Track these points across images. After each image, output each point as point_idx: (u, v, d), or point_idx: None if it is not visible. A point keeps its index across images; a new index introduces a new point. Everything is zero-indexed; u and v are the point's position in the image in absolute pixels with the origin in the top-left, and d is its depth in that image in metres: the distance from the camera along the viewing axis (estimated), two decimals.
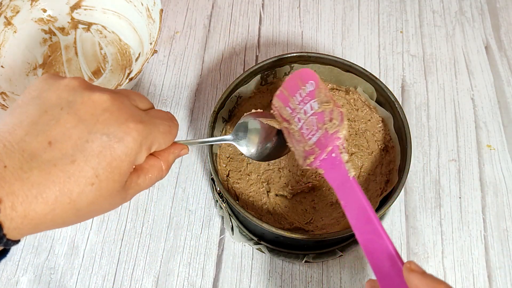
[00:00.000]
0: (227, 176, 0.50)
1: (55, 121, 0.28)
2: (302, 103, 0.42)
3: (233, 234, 0.51)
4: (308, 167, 0.39)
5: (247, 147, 0.43)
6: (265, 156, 0.44)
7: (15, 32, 0.62)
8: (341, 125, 0.37)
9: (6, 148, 0.26)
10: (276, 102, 0.45)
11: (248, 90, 0.53)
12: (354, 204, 0.35)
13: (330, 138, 0.38)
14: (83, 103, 0.29)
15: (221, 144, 0.52)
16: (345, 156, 0.37)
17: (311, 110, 0.41)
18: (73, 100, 0.29)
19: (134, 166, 0.31)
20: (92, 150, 0.28)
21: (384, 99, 0.51)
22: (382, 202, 0.47)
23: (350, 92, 0.53)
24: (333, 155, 0.37)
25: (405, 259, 0.50)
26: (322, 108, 0.39)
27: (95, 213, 0.30)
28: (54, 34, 0.64)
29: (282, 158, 0.51)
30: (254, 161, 0.51)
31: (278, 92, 0.45)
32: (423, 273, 0.30)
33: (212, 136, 0.48)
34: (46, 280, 0.50)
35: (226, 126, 0.53)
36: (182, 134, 0.59)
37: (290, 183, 0.50)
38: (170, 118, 0.34)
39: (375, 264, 0.33)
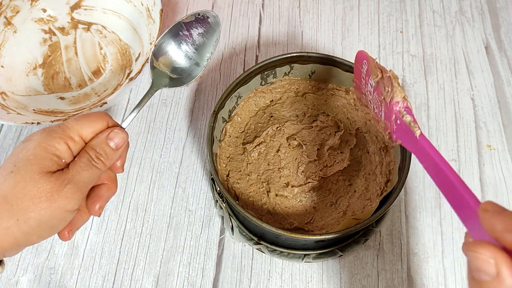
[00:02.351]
0: (227, 176, 0.50)
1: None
2: (366, 85, 0.41)
3: (233, 234, 0.51)
4: (398, 144, 0.37)
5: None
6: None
7: (15, 32, 0.62)
8: (392, 90, 0.36)
9: None
10: (356, 94, 0.45)
11: (248, 90, 0.53)
12: (430, 164, 0.33)
13: (390, 107, 0.36)
14: None
15: (221, 144, 0.52)
16: (407, 118, 0.35)
17: (371, 88, 0.40)
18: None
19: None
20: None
21: None
22: (382, 202, 0.47)
23: (350, 92, 0.53)
24: (398, 122, 0.36)
25: (405, 260, 0.51)
26: (375, 81, 0.38)
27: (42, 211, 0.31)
28: (54, 34, 0.64)
29: (282, 158, 0.51)
30: (254, 161, 0.51)
31: (354, 84, 0.44)
32: (499, 212, 0.25)
33: (211, 137, 0.48)
34: (46, 280, 0.50)
35: (226, 126, 0.53)
36: (182, 135, 0.59)
37: (290, 183, 0.50)
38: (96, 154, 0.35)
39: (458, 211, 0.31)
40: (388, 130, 0.38)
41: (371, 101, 0.41)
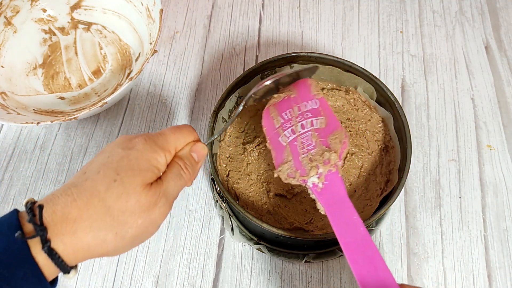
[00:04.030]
0: (227, 176, 0.50)
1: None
2: (301, 117, 0.44)
3: (233, 234, 0.51)
4: (299, 183, 0.41)
5: None
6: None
7: (15, 32, 0.62)
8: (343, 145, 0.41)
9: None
10: (270, 107, 0.46)
11: (248, 90, 0.53)
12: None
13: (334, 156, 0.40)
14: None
15: (221, 144, 0.52)
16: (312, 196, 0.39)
17: (311, 126, 0.43)
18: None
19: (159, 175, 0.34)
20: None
21: (384, 99, 0.51)
22: (382, 202, 0.47)
23: (350, 92, 0.53)
24: (334, 171, 0.40)
25: (405, 260, 0.50)
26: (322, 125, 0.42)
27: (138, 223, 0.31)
28: (54, 34, 0.64)
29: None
30: (254, 161, 0.51)
31: (278, 100, 0.47)
32: None
33: (212, 135, 0.48)
34: None
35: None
36: None
37: (290, 183, 0.50)
38: (186, 166, 0.35)
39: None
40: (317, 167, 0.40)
41: (293, 131, 0.44)
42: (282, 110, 0.46)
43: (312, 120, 0.43)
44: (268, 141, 0.45)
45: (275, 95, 0.47)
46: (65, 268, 0.30)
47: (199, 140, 0.37)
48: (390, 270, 0.50)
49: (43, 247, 0.28)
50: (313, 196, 0.39)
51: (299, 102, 0.45)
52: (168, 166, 0.34)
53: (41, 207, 0.29)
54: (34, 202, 0.30)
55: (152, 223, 0.32)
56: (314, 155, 0.41)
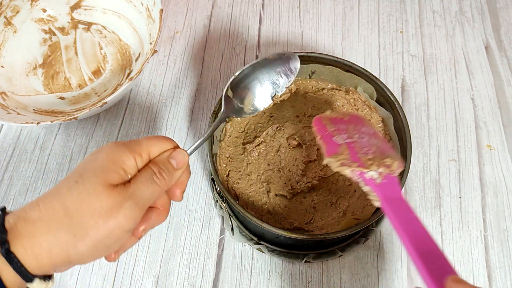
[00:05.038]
0: (227, 176, 0.50)
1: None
2: (357, 133, 0.42)
3: (233, 234, 0.51)
4: (356, 176, 0.38)
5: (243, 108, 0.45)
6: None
7: (15, 32, 0.62)
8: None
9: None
10: (324, 119, 0.44)
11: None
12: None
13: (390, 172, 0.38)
14: None
15: (221, 144, 0.52)
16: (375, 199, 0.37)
17: (367, 138, 0.42)
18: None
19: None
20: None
21: (384, 99, 0.51)
22: None
23: (350, 92, 0.53)
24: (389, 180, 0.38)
25: (405, 260, 0.50)
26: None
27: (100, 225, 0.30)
28: (54, 34, 0.64)
29: (282, 158, 0.51)
30: (254, 161, 0.51)
31: (333, 116, 0.45)
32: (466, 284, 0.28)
33: (212, 138, 0.48)
34: None
35: (226, 126, 0.53)
36: (182, 135, 0.59)
37: (290, 183, 0.50)
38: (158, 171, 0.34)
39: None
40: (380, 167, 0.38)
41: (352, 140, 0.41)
42: (336, 122, 0.43)
43: (369, 137, 0.42)
44: (319, 136, 0.42)
45: (328, 112, 0.45)
46: (26, 275, 0.28)
47: (178, 147, 0.36)
48: (390, 270, 0.50)
49: (1, 250, 0.27)
50: (365, 188, 0.37)
51: (355, 123, 0.44)
52: (140, 170, 0.33)
53: (3, 210, 0.29)
54: (3, 209, 0.30)
55: (118, 227, 0.30)
56: (374, 158, 0.39)
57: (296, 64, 0.47)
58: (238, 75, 0.45)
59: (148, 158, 0.34)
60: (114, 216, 0.30)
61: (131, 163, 0.32)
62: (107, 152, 0.32)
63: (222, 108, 0.43)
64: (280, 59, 0.46)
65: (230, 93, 0.44)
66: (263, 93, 0.47)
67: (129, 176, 0.32)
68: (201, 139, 0.38)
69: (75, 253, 0.29)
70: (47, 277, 0.30)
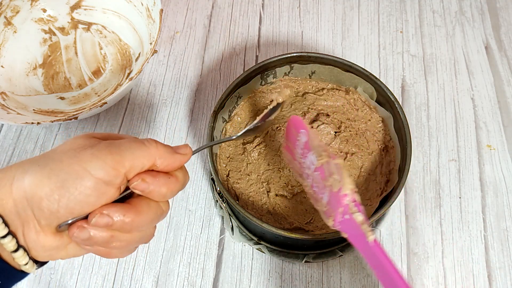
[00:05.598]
0: (227, 176, 0.50)
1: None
2: (304, 157, 0.39)
3: (233, 234, 0.51)
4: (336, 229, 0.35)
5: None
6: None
7: (15, 32, 0.62)
8: (342, 180, 0.33)
9: None
10: (285, 156, 0.43)
11: (248, 90, 0.53)
12: (380, 269, 0.32)
13: (337, 196, 0.33)
14: None
15: (220, 144, 0.52)
16: (359, 217, 0.32)
17: (312, 165, 0.37)
18: None
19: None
20: None
21: (384, 99, 0.51)
22: (382, 202, 0.47)
23: (350, 92, 0.53)
24: (347, 216, 0.33)
25: (405, 260, 0.50)
26: (319, 162, 0.35)
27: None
28: (54, 34, 0.64)
29: (282, 158, 0.51)
30: (254, 161, 0.51)
31: (284, 144, 0.42)
32: None
33: (211, 137, 0.48)
34: (46, 280, 0.50)
35: (226, 126, 0.53)
36: (182, 135, 0.59)
37: (290, 183, 0.50)
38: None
39: None
40: (332, 218, 0.35)
41: (309, 176, 0.38)
42: (292, 154, 0.42)
43: (310, 157, 0.38)
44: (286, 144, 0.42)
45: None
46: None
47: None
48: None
49: None
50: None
51: (294, 132, 0.40)
52: None
53: None
54: None
55: (84, 166, 0.27)
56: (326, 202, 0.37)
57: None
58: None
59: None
60: (80, 153, 0.28)
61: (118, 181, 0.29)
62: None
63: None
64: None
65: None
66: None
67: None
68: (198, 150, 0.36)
69: (50, 192, 0.27)
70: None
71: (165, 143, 0.32)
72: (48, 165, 0.28)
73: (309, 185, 0.39)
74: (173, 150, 0.32)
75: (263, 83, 0.55)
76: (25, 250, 0.29)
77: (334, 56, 0.52)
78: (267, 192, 0.49)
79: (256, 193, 0.50)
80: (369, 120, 0.52)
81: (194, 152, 0.34)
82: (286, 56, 0.52)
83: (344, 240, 0.50)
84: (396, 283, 0.31)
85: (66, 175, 0.27)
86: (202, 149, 0.37)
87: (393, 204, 0.45)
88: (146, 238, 0.32)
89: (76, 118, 0.51)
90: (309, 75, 0.55)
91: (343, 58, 0.53)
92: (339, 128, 0.52)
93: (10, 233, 0.28)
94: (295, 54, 0.52)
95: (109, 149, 0.29)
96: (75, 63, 0.63)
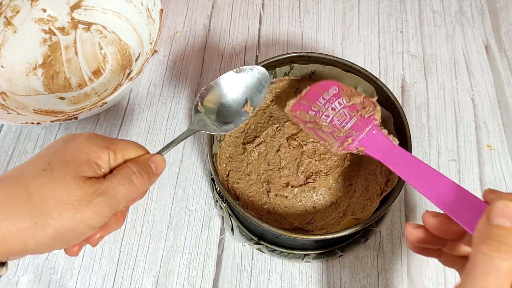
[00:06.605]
0: (227, 176, 0.50)
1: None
2: (328, 103, 0.47)
3: (233, 234, 0.51)
4: (344, 151, 0.43)
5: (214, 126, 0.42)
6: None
7: (15, 32, 0.62)
8: (374, 110, 0.44)
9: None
10: (295, 112, 0.48)
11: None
12: (407, 163, 0.38)
13: (367, 120, 0.43)
14: None
15: (221, 144, 0.52)
16: (386, 131, 0.42)
17: (340, 105, 0.46)
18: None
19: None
20: None
21: (384, 99, 0.51)
22: (382, 202, 0.47)
23: None
24: (374, 132, 0.42)
25: (405, 260, 0.50)
26: (352, 101, 0.46)
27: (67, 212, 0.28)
28: (54, 34, 0.64)
29: (282, 158, 0.51)
30: (254, 161, 0.51)
31: (294, 102, 0.48)
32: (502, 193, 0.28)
33: (211, 138, 0.48)
34: (46, 280, 0.50)
35: None
36: None
37: (290, 183, 0.50)
38: (135, 170, 0.32)
39: (445, 203, 0.33)
40: (352, 138, 0.43)
41: (329, 115, 0.46)
42: (307, 109, 0.47)
43: (338, 101, 0.47)
44: (313, 134, 0.47)
45: (291, 100, 0.48)
46: None
47: (153, 155, 0.35)
48: (390, 270, 0.50)
49: None
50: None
51: (320, 91, 0.48)
52: (117, 168, 0.32)
53: None
54: None
55: (83, 221, 0.29)
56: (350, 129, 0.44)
57: (265, 78, 0.45)
58: (205, 90, 0.44)
59: (123, 159, 0.33)
60: (81, 210, 0.28)
61: (105, 158, 0.31)
62: (81, 142, 0.31)
63: (192, 121, 0.41)
64: (247, 73, 0.45)
65: (201, 109, 0.43)
66: (234, 109, 0.44)
67: (103, 171, 0.31)
68: (167, 149, 0.37)
69: (33, 242, 0.28)
70: (1, 264, 0.29)
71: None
72: (48, 226, 0.28)
73: (325, 123, 0.46)
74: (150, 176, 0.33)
75: None
76: None
77: (334, 56, 0.52)
78: (267, 192, 0.49)
79: (256, 193, 0.50)
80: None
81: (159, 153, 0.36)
82: (286, 56, 0.52)
83: (344, 240, 0.51)
84: (431, 175, 0.35)
85: (68, 235, 0.29)
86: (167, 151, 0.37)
87: (393, 204, 0.45)
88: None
89: (76, 118, 0.51)
90: (309, 75, 0.55)
91: (343, 58, 0.53)
92: None
93: None
94: (295, 54, 0.52)
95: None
96: (75, 63, 0.63)
